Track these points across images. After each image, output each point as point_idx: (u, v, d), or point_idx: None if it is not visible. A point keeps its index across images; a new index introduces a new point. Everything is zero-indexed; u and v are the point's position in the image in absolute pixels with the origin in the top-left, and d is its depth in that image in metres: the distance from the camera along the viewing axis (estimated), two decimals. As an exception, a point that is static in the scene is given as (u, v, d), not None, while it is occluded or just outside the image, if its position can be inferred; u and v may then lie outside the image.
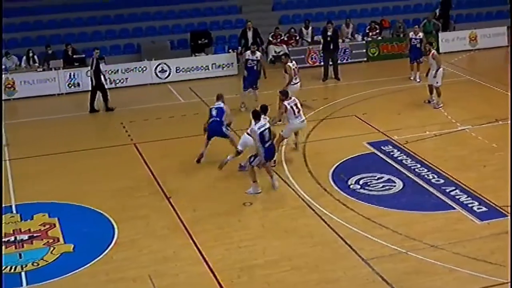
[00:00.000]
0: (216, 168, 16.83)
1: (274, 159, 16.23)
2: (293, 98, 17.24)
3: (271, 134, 15.33)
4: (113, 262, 12.80)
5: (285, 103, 16.91)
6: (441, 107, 20.80)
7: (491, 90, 22.85)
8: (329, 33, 24.66)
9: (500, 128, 19.27)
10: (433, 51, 21.26)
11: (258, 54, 21.77)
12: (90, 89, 22.14)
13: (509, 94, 21.28)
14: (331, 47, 24.62)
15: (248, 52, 21.75)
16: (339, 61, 25.12)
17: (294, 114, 16.83)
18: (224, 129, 16.98)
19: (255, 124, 15.15)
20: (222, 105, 17.06)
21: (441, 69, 20.90)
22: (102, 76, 21.88)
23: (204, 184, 16.16)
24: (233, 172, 16.71)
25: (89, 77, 22.13)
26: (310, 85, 23.61)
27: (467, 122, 19.60)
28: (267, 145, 15.14)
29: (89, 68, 22.09)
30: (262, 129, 15.06)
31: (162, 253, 13.05)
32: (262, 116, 15.34)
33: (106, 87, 22.09)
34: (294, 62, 20.70)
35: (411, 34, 24.42)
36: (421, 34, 24.46)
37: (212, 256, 12.86)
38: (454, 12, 30.19)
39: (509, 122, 18.92)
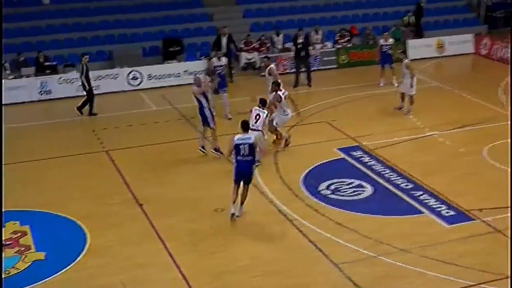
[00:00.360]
0: (188, 175, 16.84)
1: (258, 159, 15.93)
2: (283, 90, 18.07)
3: (251, 151, 14.11)
4: (85, 269, 12.70)
5: (280, 93, 17.71)
6: (411, 115, 20.95)
7: (458, 96, 23.11)
8: (299, 41, 24.77)
9: (467, 133, 19.49)
10: (406, 60, 21.39)
11: (224, 59, 21.91)
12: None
13: (509, 94, 21.42)
14: (302, 54, 24.73)
15: (214, 59, 21.79)
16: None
17: (286, 105, 17.80)
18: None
19: (238, 135, 14.30)
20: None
21: (415, 77, 21.06)
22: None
23: (176, 191, 16.10)
24: (204, 180, 16.69)
25: (81, 83, 22.12)
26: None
27: (435, 128, 19.79)
28: (239, 158, 14.12)
29: (80, 74, 22.03)
30: (241, 142, 14.08)
31: (134, 260, 12.98)
32: (250, 131, 14.67)
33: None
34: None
35: (381, 41, 24.62)
36: (391, 40, 24.69)
37: (185, 263, 12.83)
38: (422, 20, 30.46)
39: (509, 122, 19.05)
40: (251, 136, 14.35)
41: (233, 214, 14.30)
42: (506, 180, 16.21)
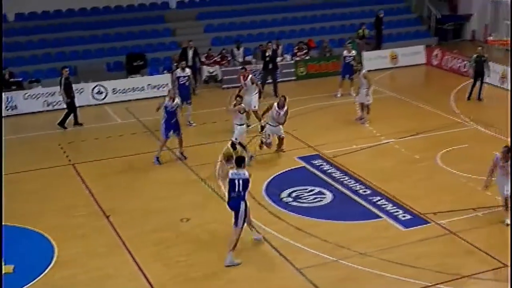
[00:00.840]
0: (154, 186, 16.76)
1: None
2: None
3: (243, 188, 13.00)
4: (54, 281, 12.54)
5: (242, 105, 17.95)
6: (367, 124, 21.14)
7: (412, 105, 23.38)
8: (268, 53, 24.93)
9: (421, 140, 19.72)
10: (364, 71, 21.60)
11: (188, 70, 21.86)
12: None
13: (509, 95, 21.66)
14: (270, 66, 24.87)
15: (179, 69, 21.71)
16: (270, 80, 25.24)
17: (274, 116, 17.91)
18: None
19: (232, 169, 13.26)
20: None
21: (372, 87, 21.31)
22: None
23: (142, 203, 15.98)
24: (170, 190, 16.62)
25: (61, 96, 22.02)
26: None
27: (390, 136, 19.99)
28: (233, 194, 13.09)
29: (59, 87, 21.85)
30: (236, 177, 13.03)
31: (102, 271, 12.85)
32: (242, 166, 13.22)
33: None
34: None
35: (345, 52, 24.81)
36: (353, 52, 24.95)
37: (152, 272, 12.74)
38: (373, 32, 30.79)
39: (509, 123, 19.18)
40: (246, 172, 13.10)
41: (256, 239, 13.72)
42: (458, 184, 16.49)
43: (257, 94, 21.07)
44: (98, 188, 16.75)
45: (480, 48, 23.77)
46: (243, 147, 18.04)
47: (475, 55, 23.66)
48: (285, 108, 18.39)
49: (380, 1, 32.86)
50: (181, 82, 21.33)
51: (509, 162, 14.03)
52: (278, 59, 26.91)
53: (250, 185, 13.11)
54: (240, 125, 17.97)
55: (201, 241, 14.03)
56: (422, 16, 33.38)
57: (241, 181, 12.99)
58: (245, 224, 13.31)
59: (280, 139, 18.71)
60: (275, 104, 18.37)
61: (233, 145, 18.01)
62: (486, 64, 23.40)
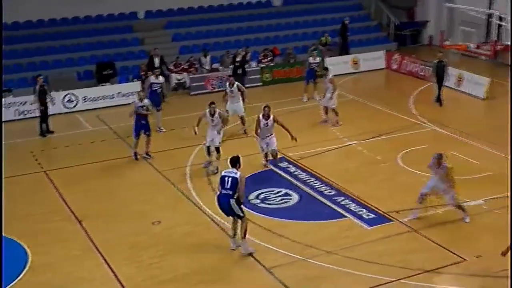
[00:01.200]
0: (126, 191, 16.63)
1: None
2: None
3: (231, 186, 12.92)
4: (28, 286, 12.33)
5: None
6: (340, 124, 21.28)
7: (373, 108, 23.55)
8: (238, 59, 24.92)
9: (383, 142, 19.87)
10: (330, 76, 21.69)
11: (161, 78, 21.77)
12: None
13: (509, 96, 21.81)
14: (239, 72, 24.85)
15: (152, 76, 21.57)
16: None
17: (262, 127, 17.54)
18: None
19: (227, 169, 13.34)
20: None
21: (336, 92, 21.41)
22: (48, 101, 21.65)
23: (114, 207, 15.82)
24: (141, 194, 16.49)
25: (34, 104, 21.85)
26: (210, 109, 23.63)
27: (353, 138, 20.09)
28: (223, 191, 13.03)
29: (34, 95, 21.61)
30: (227, 174, 13.05)
31: (76, 274, 12.72)
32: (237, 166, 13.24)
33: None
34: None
35: (310, 59, 24.88)
36: (318, 59, 25.06)
37: (125, 275, 12.63)
38: (340, 39, 30.97)
39: (509, 124, 19.29)
40: (238, 172, 13.05)
41: (233, 250, 13.45)
42: (419, 183, 16.53)
43: (241, 100, 20.92)
44: (70, 194, 16.55)
45: (440, 53, 23.96)
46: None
47: (436, 60, 23.86)
48: (271, 117, 17.64)
49: (341, 10, 33.06)
50: (154, 89, 21.20)
51: (440, 167, 14.15)
52: (246, 65, 26.91)
53: (241, 186, 12.96)
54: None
55: (173, 243, 13.94)
56: (381, 23, 33.66)
57: (230, 179, 12.95)
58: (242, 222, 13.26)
59: (274, 154, 17.98)
60: (260, 116, 17.76)
61: (218, 149, 17.85)
62: (446, 68, 23.62)
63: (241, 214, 13.17)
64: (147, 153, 18.81)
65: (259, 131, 17.78)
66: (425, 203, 14.65)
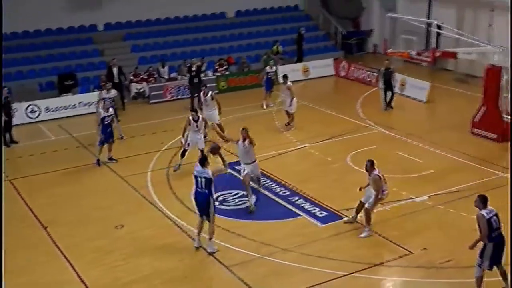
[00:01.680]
0: (89, 197, 16.42)
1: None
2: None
3: (207, 185, 13.04)
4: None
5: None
6: (293, 129, 21.46)
7: (323, 112, 23.75)
8: (193, 69, 24.81)
9: (333, 144, 20.07)
10: (288, 83, 21.81)
11: (113, 92, 21.26)
12: None
13: (509, 98, 21.97)
14: (196, 81, 24.76)
15: (104, 91, 21.05)
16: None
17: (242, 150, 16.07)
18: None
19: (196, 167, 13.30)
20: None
21: (295, 98, 21.54)
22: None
23: (78, 213, 15.60)
24: (105, 199, 16.31)
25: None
26: (171, 116, 23.53)
27: (305, 141, 20.25)
28: (198, 189, 13.15)
29: None
30: (198, 174, 13.09)
31: (43, 280, 12.52)
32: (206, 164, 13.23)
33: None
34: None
35: (267, 68, 24.91)
36: (275, 68, 25.14)
37: (90, 278, 12.49)
38: (289, 49, 31.20)
39: (509, 125, 19.45)
40: (208, 171, 13.07)
41: (196, 248, 13.45)
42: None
43: (216, 109, 20.64)
44: (35, 201, 16.26)
45: (387, 61, 24.15)
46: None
47: (383, 68, 24.10)
48: (247, 140, 15.81)
49: (291, 20, 33.36)
50: (107, 102, 20.47)
51: (372, 174, 13.92)
52: (201, 75, 26.86)
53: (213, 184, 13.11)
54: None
55: (136, 246, 13.82)
56: (329, 32, 33.98)
57: (203, 180, 13.05)
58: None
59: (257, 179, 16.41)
60: (240, 140, 15.94)
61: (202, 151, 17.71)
62: (393, 75, 23.88)
63: (212, 216, 13.25)
64: (110, 158, 18.72)
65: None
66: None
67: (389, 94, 23.80)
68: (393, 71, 23.89)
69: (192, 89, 24.92)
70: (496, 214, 11.43)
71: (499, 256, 11.43)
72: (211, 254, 13.26)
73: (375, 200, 13.87)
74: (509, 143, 19.45)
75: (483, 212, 11.33)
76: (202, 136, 18.20)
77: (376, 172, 13.90)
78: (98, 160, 18.69)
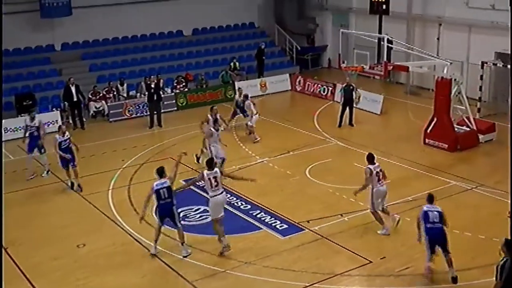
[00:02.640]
0: (51, 216, 16.10)
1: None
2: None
3: (169, 194, 13.55)
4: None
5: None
6: (259, 140, 21.69)
7: (281, 126, 23.84)
8: (152, 86, 24.60)
9: (291, 157, 20.14)
10: (247, 101, 22.30)
11: (37, 121, 19.74)
12: None
13: (509, 101, 22.00)
14: (155, 98, 24.55)
15: (28, 118, 19.79)
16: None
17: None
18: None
19: (156, 181, 13.64)
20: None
21: (257, 115, 21.76)
22: None
23: (39, 233, 15.28)
24: (66, 218, 16.01)
25: None
26: (131, 134, 23.34)
27: (264, 155, 20.27)
28: (161, 202, 13.54)
29: None
30: (160, 186, 13.47)
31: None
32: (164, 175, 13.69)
33: None
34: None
35: (236, 97, 24.22)
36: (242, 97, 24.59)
37: (52, 298, 12.20)
38: (246, 64, 31.30)
39: (509, 127, 19.47)
40: (167, 180, 13.55)
41: (153, 255, 13.60)
42: (326, 194, 16.96)
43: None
44: (-6, 222, 15.84)
45: (348, 78, 24.07)
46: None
47: (344, 84, 24.00)
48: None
49: (247, 37, 33.54)
50: (30, 131, 19.57)
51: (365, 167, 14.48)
52: (160, 92, 26.72)
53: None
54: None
55: (99, 264, 13.59)
56: (285, 48, 34.26)
57: (165, 190, 13.46)
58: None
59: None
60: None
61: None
62: (355, 92, 23.92)
63: (179, 221, 13.79)
64: (78, 185, 17.95)
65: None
66: None
67: (348, 110, 23.63)
68: (354, 88, 23.85)
69: (151, 106, 24.73)
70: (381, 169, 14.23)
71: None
72: (185, 257, 13.54)
73: (371, 200, 14.40)
74: (461, 153, 19.92)
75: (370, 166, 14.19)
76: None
77: (369, 166, 14.36)
78: (71, 184, 18.03)
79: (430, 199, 12.64)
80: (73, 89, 24.49)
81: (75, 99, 24.05)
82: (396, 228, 14.60)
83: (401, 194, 16.63)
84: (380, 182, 14.35)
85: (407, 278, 12.59)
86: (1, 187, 13.92)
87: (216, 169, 13.95)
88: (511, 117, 20.35)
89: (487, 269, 12.48)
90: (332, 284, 12.47)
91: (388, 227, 14.47)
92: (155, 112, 24.63)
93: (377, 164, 14.52)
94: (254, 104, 22.58)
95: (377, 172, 14.30)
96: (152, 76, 25.71)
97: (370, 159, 14.48)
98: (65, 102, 25.05)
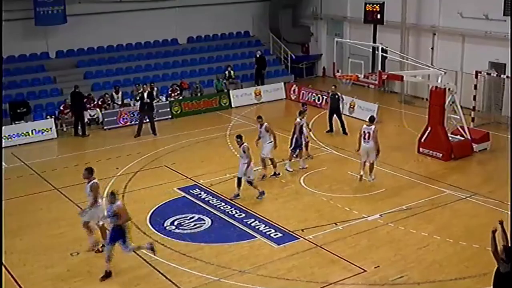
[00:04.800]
0: (44, 224, 16.01)
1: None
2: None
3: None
4: None
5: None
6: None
7: (276, 135, 23.74)
8: (145, 95, 24.56)
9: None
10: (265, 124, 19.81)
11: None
12: None
13: (509, 102, 21.92)
14: (147, 107, 24.50)
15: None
16: (147, 120, 24.89)
17: None
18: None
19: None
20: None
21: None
22: None
23: (32, 241, 15.19)
24: (59, 227, 15.93)
25: None
26: (125, 142, 23.31)
27: (257, 164, 20.16)
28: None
29: None
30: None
31: (-5, 310, 12.06)
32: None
33: None
34: None
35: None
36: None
37: (45, 306, 12.11)
38: (241, 73, 31.32)
39: (509, 136, 19.39)
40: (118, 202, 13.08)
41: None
42: (321, 202, 16.95)
43: (271, 142, 19.01)
44: (-13, 230, 15.76)
45: (333, 86, 24.24)
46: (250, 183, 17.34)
47: (330, 93, 24.27)
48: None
49: (242, 46, 33.60)
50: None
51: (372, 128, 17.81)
52: (153, 100, 26.74)
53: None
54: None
55: (92, 272, 13.50)
56: (279, 57, 34.32)
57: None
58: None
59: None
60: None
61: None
62: (341, 100, 24.03)
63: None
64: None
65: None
66: None
67: (338, 120, 23.77)
68: (340, 97, 23.99)
69: (142, 115, 24.63)
70: None
71: None
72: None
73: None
74: (455, 162, 19.96)
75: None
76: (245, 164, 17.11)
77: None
78: None
79: (371, 119, 17.90)
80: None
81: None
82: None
83: (395, 203, 16.66)
84: (365, 140, 17.88)
85: (401, 287, 12.57)
86: (1, 185, 13.90)
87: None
88: (511, 126, 20.41)
89: (481, 278, 12.54)
90: (326, 293, 12.44)
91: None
92: (146, 121, 24.52)
93: (371, 126, 17.95)
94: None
95: (364, 132, 17.88)
96: (145, 85, 25.47)
97: (369, 120, 18.27)
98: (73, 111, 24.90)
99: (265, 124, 19.03)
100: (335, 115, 23.97)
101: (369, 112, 25.28)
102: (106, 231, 13.88)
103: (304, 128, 19.79)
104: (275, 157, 19.20)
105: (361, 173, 18.14)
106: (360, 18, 29.95)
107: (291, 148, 19.51)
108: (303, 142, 19.81)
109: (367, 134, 17.92)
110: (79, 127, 24.49)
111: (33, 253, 14.51)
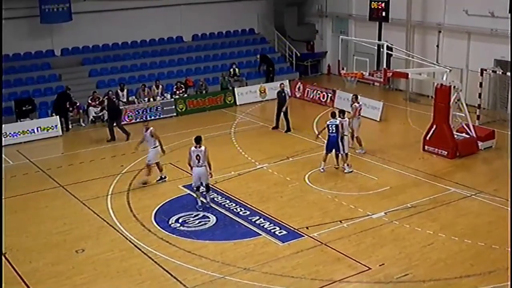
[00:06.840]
0: (49, 221, 16.05)
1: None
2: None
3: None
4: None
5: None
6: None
7: (280, 133, 23.83)
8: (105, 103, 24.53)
9: (291, 163, 20.11)
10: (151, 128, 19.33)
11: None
12: None
13: (509, 103, 21.89)
14: (112, 114, 24.35)
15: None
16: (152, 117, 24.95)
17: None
18: None
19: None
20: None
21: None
22: None
23: (37, 238, 15.23)
24: (64, 224, 15.97)
25: None
26: (130, 139, 23.31)
27: (263, 161, 20.26)
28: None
29: None
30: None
31: (1, 307, 12.09)
32: None
33: None
34: None
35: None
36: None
37: (50, 303, 12.16)
38: (246, 71, 31.32)
39: (509, 134, 19.33)
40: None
41: None
42: (325, 200, 16.94)
43: (156, 147, 18.63)
44: (-7, 227, 15.82)
45: (282, 84, 24.59)
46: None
47: (278, 90, 24.36)
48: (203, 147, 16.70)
49: (247, 43, 33.62)
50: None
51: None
52: (158, 98, 26.84)
53: None
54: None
55: (97, 270, 13.54)
56: (285, 54, 34.30)
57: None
58: None
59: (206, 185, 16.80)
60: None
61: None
62: (287, 98, 23.86)
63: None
64: None
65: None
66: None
67: (283, 116, 23.81)
68: (287, 95, 23.91)
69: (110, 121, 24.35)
70: None
71: None
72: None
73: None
74: (460, 160, 19.92)
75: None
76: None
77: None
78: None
79: (333, 115, 18.92)
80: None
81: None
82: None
83: (400, 201, 16.65)
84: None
85: (406, 285, 12.55)
86: (1, 187, 13.95)
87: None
88: (511, 124, 20.33)
89: (486, 276, 12.53)
90: (331, 291, 12.45)
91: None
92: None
93: (339, 119, 18.82)
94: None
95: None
96: (110, 91, 25.28)
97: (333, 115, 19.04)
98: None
99: (151, 128, 18.61)
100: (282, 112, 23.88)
101: (374, 110, 25.35)
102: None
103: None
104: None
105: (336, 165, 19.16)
106: (365, 16, 29.91)
107: (344, 152, 19.16)
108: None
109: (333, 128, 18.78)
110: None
111: (38, 250, 14.55)
